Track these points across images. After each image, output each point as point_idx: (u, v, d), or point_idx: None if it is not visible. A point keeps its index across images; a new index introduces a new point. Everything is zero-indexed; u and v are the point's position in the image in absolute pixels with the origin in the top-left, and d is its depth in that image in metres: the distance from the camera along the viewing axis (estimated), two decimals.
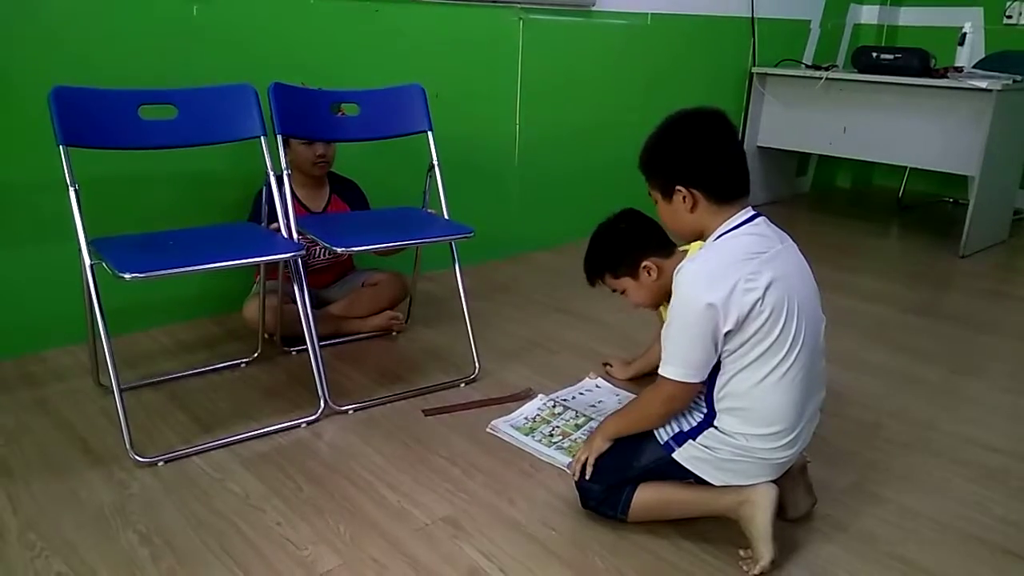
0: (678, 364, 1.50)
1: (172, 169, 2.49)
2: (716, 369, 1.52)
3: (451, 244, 2.30)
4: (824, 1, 4.68)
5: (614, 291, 2.06)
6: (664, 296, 1.90)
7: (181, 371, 2.29)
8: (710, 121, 1.54)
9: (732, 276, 1.44)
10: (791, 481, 1.65)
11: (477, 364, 2.34)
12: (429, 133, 2.42)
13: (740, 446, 1.52)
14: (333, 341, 2.51)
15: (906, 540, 1.67)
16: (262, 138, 2.15)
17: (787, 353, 1.48)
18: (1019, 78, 3.62)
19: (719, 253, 1.51)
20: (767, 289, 1.44)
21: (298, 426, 2.02)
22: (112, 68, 2.32)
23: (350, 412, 2.10)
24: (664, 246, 1.96)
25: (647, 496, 1.61)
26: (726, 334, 1.45)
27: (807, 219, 4.44)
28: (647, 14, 3.76)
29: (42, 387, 2.19)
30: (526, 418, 2.09)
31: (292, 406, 2.12)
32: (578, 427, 2.04)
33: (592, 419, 2.07)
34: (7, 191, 2.26)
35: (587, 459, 1.64)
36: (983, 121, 3.52)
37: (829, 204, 4.90)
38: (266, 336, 2.40)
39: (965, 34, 3.87)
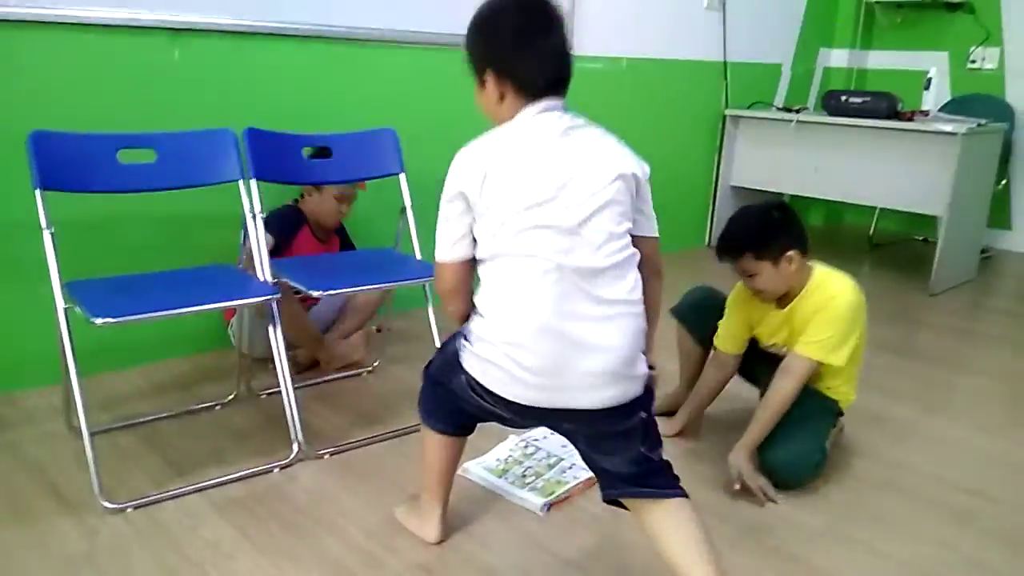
0: (440, 249, 1.46)
1: (152, 211, 2.49)
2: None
3: (424, 285, 2.33)
4: (795, 45, 4.80)
5: (743, 272, 2.03)
6: (785, 290, 2.02)
7: (155, 413, 2.27)
8: (529, 8, 1.44)
9: (482, 157, 1.40)
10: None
11: None
12: (401, 176, 2.46)
13: (481, 333, 1.41)
14: (308, 382, 2.52)
15: None
16: (240, 182, 2.17)
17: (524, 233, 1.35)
18: (983, 122, 3.72)
19: (486, 137, 1.43)
20: (491, 168, 1.37)
21: (271, 471, 2.01)
22: (92, 112, 2.34)
23: (326, 457, 2.10)
24: (805, 245, 1.99)
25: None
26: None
27: None
28: (623, 59, 3.84)
29: (13, 429, 2.16)
30: (498, 459, 2.09)
31: (268, 449, 2.10)
32: (551, 467, 2.05)
33: (563, 459, 2.08)
34: None
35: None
36: (950, 163, 3.60)
37: None
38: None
39: (931, 79, 3.98)
